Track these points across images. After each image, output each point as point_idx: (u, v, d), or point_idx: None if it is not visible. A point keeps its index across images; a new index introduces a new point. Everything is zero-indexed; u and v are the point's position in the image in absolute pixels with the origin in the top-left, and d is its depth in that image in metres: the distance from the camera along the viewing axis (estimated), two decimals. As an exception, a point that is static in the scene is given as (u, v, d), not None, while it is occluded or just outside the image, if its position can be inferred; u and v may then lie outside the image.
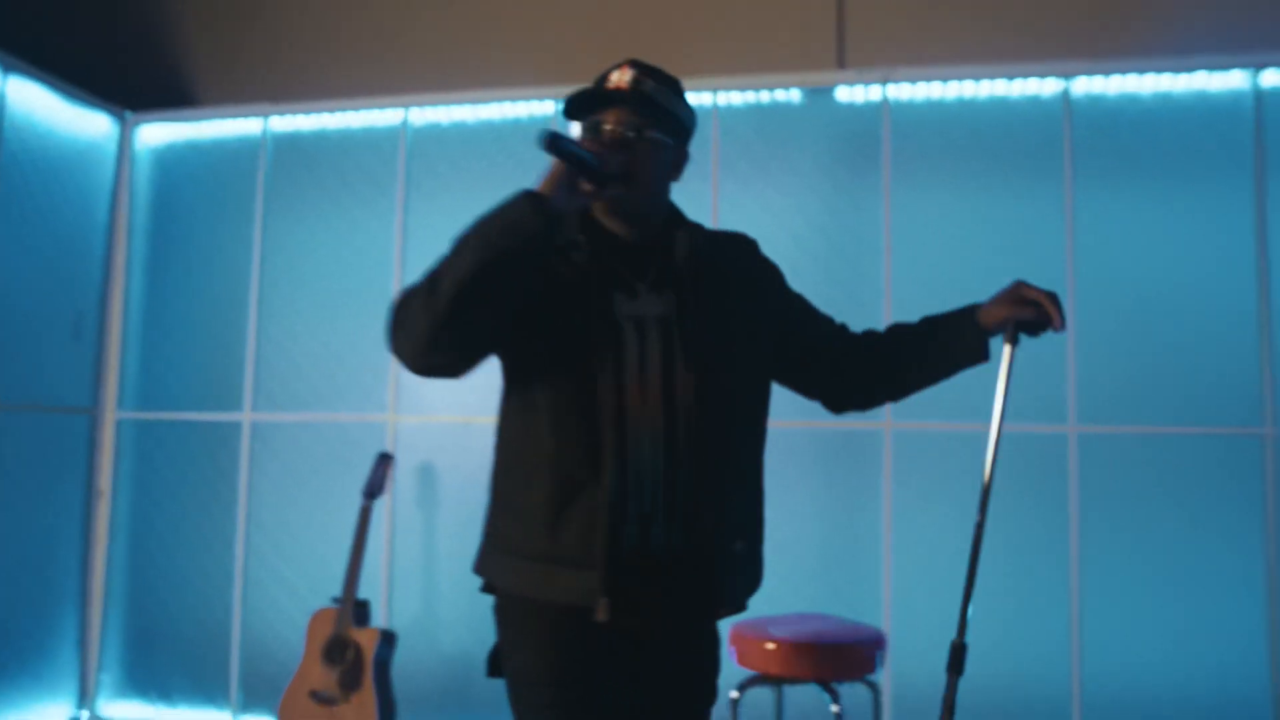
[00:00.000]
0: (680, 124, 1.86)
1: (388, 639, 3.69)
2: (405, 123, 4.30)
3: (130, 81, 4.66)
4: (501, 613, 1.85)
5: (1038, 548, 3.70)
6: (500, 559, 1.84)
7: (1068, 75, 3.79)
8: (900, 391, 2.05)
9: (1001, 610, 3.65)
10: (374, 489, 3.83)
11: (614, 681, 1.77)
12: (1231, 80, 3.70)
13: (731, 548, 1.78)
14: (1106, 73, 3.76)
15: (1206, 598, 3.63)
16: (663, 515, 1.72)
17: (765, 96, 4.00)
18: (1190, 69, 3.70)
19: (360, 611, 3.72)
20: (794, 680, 2.69)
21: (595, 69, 4.69)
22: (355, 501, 3.97)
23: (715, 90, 4.01)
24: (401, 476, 4.11)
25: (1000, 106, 3.88)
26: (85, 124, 4.36)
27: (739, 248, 1.96)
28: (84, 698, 4.34)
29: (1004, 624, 3.67)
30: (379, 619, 4.01)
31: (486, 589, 1.90)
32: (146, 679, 4.38)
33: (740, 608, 1.86)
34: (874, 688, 2.92)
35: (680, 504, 1.73)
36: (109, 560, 4.40)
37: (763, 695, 3.23)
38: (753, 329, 1.85)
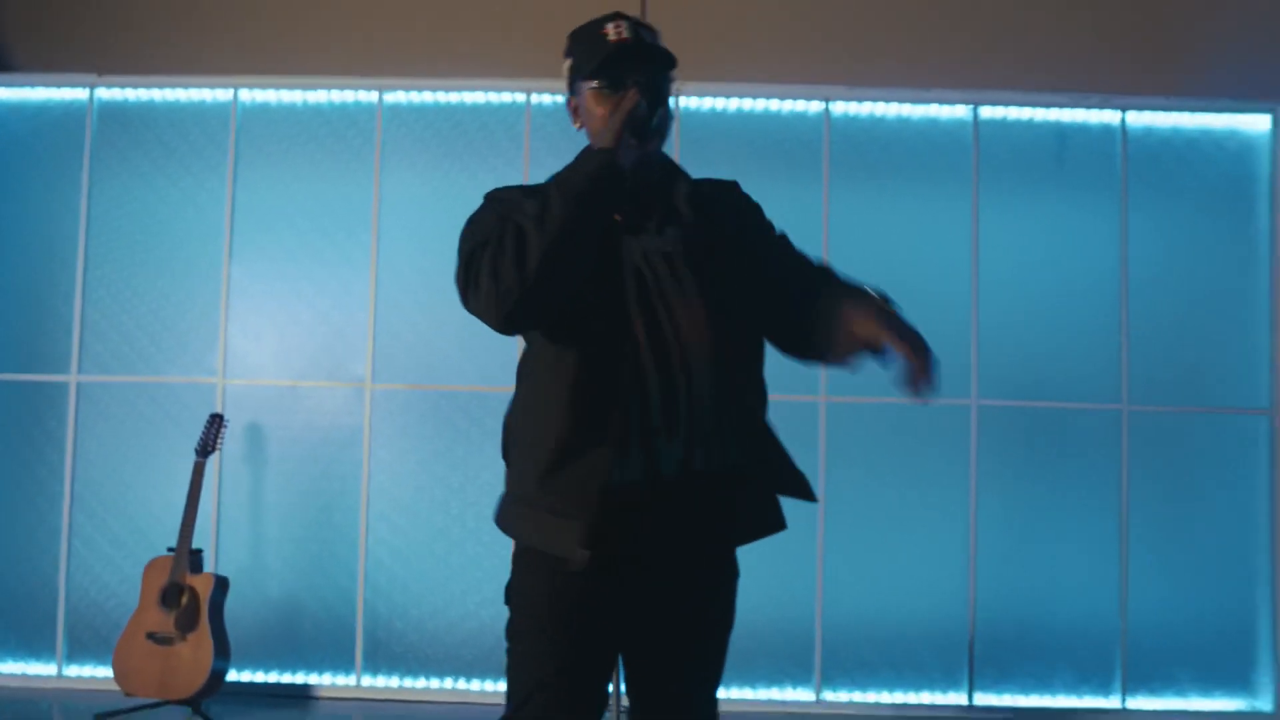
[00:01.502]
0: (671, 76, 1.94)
1: (221, 584, 4.02)
2: (236, 100, 4.55)
3: (-56, 43, 4.68)
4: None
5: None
6: (511, 507, 1.91)
7: (828, 99, 4.50)
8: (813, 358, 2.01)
9: (758, 552, 4.34)
10: (206, 447, 4.12)
11: (615, 613, 1.85)
12: (957, 111, 4.53)
13: (738, 469, 1.85)
14: (860, 99, 4.51)
15: (925, 543, 4.45)
16: (678, 434, 1.79)
17: (573, 100, 4.49)
18: (925, 101, 4.50)
19: (195, 559, 4.02)
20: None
21: (416, 60, 5.07)
22: (183, 460, 4.25)
23: (530, 92, 4.49)
24: (230, 435, 4.41)
25: (772, 119, 4.55)
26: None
27: (724, 189, 2.04)
28: (-103, 653, 4.45)
29: (760, 563, 4.37)
30: (209, 568, 4.31)
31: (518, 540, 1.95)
32: (-36, 633, 4.52)
33: (757, 532, 1.95)
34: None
35: (689, 424, 1.79)
36: (-76, 518, 4.50)
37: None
38: (742, 261, 1.93)
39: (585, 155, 1.77)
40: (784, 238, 2.07)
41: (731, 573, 1.99)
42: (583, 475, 1.77)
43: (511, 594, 1.90)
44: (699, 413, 1.79)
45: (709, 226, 1.90)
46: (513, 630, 1.88)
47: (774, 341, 1.99)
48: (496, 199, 1.89)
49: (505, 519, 1.92)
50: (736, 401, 1.85)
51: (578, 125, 1.97)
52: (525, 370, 1.91)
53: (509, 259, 1.69)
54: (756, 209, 2.06)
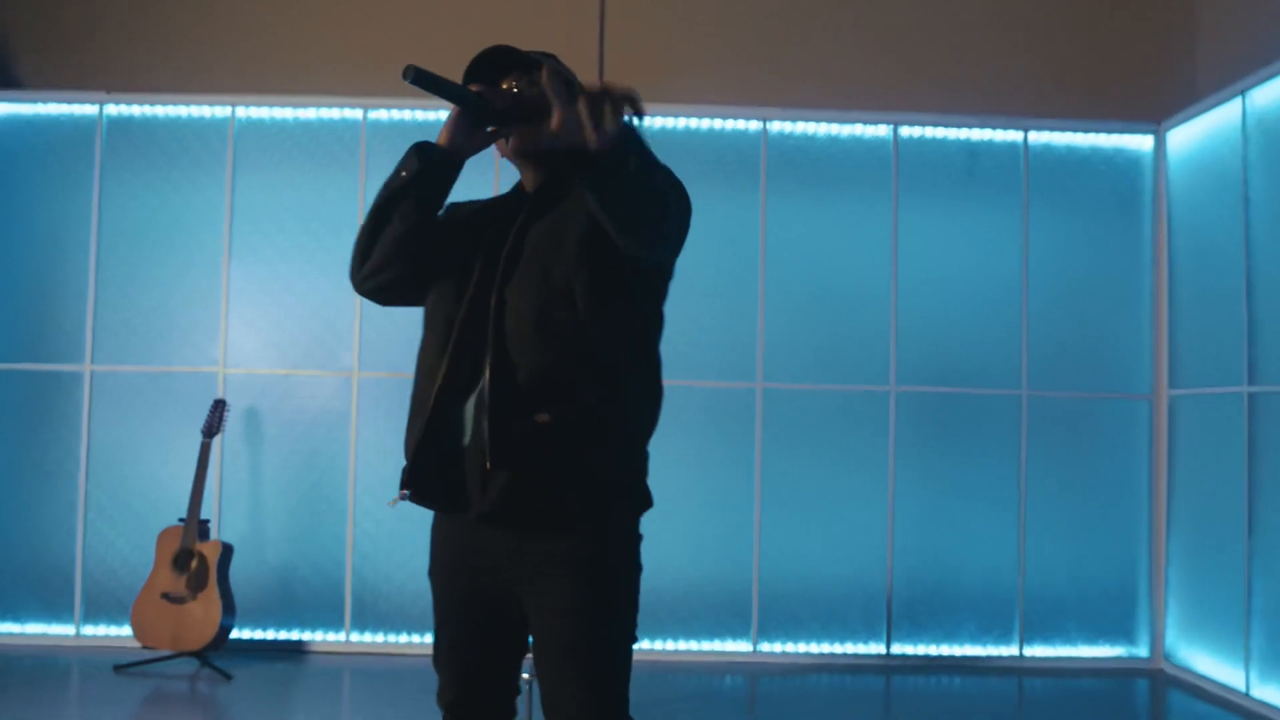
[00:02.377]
0: (570, 81, 1.88)
1: (227, 550, 4.54)
2: (233, 116, 5.04)
3: (-36, 62, 5.15)
4: None
5: (733, 475, 5.00)
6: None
7: (766, 119, 5.05)
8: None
9: (707, 521, 4.94)
10: (211, 429, 4.63)
11: (475, 571, 1.94)
12: (879, 130, 5.09)
13: (551, 456, 1.83)
14: (793, 119, 5.06)
15: (849, 512, 5.04)
16: (477, 418, 1.87)
17: (538, 118, 5.02)
18: (851, 121, 5.07)
19: (202, 528, 4.54)
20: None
21: (396, 82, 5.57)
22: (186, 441, 4.79)
23: (498, 111, 5.00)
24: (230, 419, 4.91)
25: (716, 136, 5.09)
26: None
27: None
28: (-71, 616, 4.95)
29: (709, 532, 4.96)
30: (214, 536, 4.83)
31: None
32: (-11, 599, 5.01)
33: (569, 515, 1.85)
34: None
35: (499, 408, 1.83)
36: (-48, 494, 4.98)
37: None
38: (583, 247, 1.88)
39: (408, 150, 1.95)
40: None
41: (573, 549, 1.87)
42: (413, 432, 1.93)
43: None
44: (498, 404, 1.83)
45: (552, 218, 1.94)
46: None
47: (624, 251, 1.85)
48: None
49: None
50: (546, 401, 1.84)
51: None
52: None
53: (354, 245, 1.98)
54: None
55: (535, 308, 1.86)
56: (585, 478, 1.86)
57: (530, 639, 1.95)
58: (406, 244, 1.92)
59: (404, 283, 1.98)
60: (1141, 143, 5.15)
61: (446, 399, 1.89)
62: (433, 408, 1.89)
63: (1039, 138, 5.13)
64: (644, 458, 1.99)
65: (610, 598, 1.89)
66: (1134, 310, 5.13)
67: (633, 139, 1.70)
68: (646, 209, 1.77)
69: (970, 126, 5.11)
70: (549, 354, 1.84)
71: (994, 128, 5.11)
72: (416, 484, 1.93)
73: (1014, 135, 5.12)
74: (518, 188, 2.07)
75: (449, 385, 1.89)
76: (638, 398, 1.93)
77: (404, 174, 1.91)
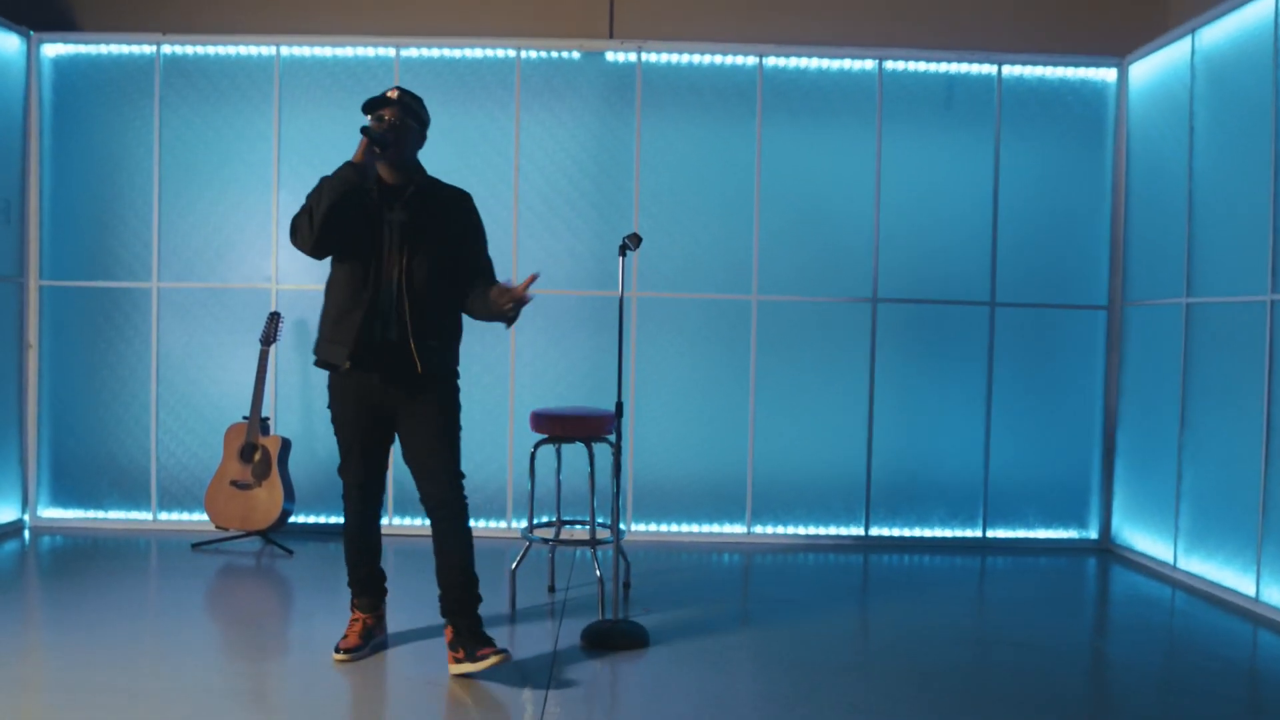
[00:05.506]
0: (421, 120, 3.43)
1: (286, 444, 5.18)
2: (278, 55, 5.55)
3: (31, 4, 5.64)
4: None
5: (730, 378, 5.59)
6: (322, 344, 3.42)
7: (762, 54, 5.51)
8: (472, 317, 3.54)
9: (707, 419, 5.54)
10: (268, 338, 5.23)
11: (377, 406, 3.41)
12: (865, 64, 5.54)
13: (423, 343, 3.31)
14: (787, 54, 5.52)
15: (834, 411, 5.62)
16: (392, 323, 3.31)
17: (555, 54, 5.51)
18: (839, 56, 5.51)
19: (264, 424, 5.18)
20: (567, 439, 4.37)
21: (426, 22, 6.02)
22: (244, 349, 5.41)
23: (519, 49, 5.49)
24: (283, 329, 5.51)
25: (716, 70, 5.56)
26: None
27: (453, 197, 3.47)
28: (25, 505, 5.62)
29: (709, 428, 5.57)
30: (273, 432, 5.46)
31: (318, 364, 3.46)
32: (76, 490, 5.68)
33: (432, 374, 3.34)
34: (610, 443, 4.51)
35: (398, 318, 3.30)
36: (38, 399, 5.62)
37: (548, 450, 4.98)
38: (443, 237, 3.37)
39: (344, 165, 3.24)
40: (482, 242, 3.52)
41: (432, 386, 3.40)
42: (348, 328, 3.31)
43: (330, 399, 3.48)
44: (399, 310, 3.33)
45: (426, 214, 3.38)
46: (332, 416, 3.50)
47: (459, 302, 3.46)
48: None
49: (316, 350, 3.44)
50: (420, 308, 3.34)
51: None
52: (331, 273, 3.40)
53: (305, 223, 3.24)
54: (470, 213, 3.50)
55: (407, 266, 3.33)
56: (429, 356, 3.39)
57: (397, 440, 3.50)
58: (343, 221, 3.25)
59: (338, 242, 3.31)
60: (1106, 75, 5.58)
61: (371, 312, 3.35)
62: (365, 316, 3.32)
63: (1012, 71, 5.57)
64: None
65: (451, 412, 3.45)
66: (1094, 229, 5.63)
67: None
68: None
69: (948, 60, 5.55)
70: (416, 292, 3.33)
71: (970, 61, 5.55)
72: (357, 359, 3.34)
73: (988, 68, 5.57)
74: (376, 179, 3.38)
75: (369, 306, 3.34)
76: (452, 329, 3.49)
77: (347, 182, 3.22)
